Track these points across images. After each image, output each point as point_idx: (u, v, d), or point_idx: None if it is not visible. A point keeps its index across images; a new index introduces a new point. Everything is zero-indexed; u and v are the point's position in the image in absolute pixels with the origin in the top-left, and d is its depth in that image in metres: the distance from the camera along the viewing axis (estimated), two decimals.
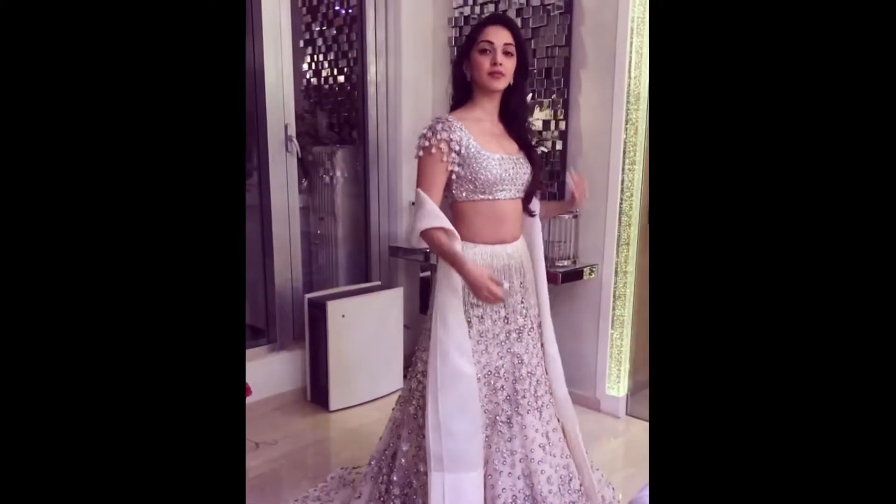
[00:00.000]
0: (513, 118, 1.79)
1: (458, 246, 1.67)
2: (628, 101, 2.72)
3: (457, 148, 1.67)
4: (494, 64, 1.67)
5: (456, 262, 1.64)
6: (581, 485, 1.88)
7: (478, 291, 1.61)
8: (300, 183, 3.19)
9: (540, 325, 1.88)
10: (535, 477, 1.73)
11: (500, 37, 1.67)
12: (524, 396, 1.76)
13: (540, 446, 1.74)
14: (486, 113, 1.76)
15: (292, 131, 3.01)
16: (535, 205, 1.87)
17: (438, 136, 1.66)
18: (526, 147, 1.80)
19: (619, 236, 2.84)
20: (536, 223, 1.89)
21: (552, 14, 2.89)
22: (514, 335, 1.78)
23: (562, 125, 2.95)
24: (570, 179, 1.89)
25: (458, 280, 1.68)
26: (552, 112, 2.97)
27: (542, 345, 1.88)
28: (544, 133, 3.00)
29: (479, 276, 1.60)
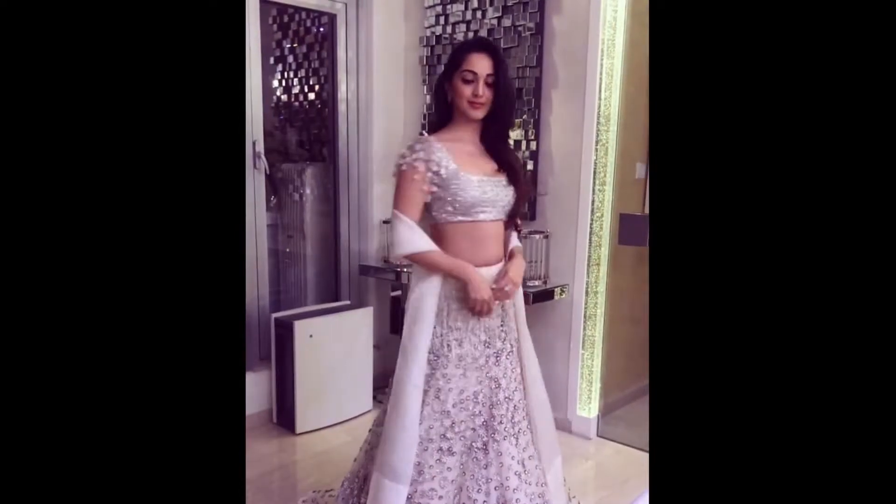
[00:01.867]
0: (493, 143, 1.77)
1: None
2: (598, 122, 2.75)
3: (435, 168, 1.65)
4: (476, 95, 1.67)
5: (462, 270, 1.67)
6: None
7: (474, 303, 1.66)
8: (269, 200, 3.13)
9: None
10: None
11: (482, 66, 1.67)
12: (501, 422, 1.72)
13: (515, 474, 1.71)
14: (466, 134, 1.75)
15: (260, 147, 2.96)
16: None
17: (417, 156, 1.66)
18: (508, 169, 1.77)
19: (589, 256, 2.85)
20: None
21: (523, 35, 2.92)
22: (492, 359, 1.75)
23: (533, 145, 2.97)
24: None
25: (432, 292, 1.69)
26: (523, 132, 2.99)
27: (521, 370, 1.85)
28: (516, 153, 3.02)
29: (484, 289, 1.66)
